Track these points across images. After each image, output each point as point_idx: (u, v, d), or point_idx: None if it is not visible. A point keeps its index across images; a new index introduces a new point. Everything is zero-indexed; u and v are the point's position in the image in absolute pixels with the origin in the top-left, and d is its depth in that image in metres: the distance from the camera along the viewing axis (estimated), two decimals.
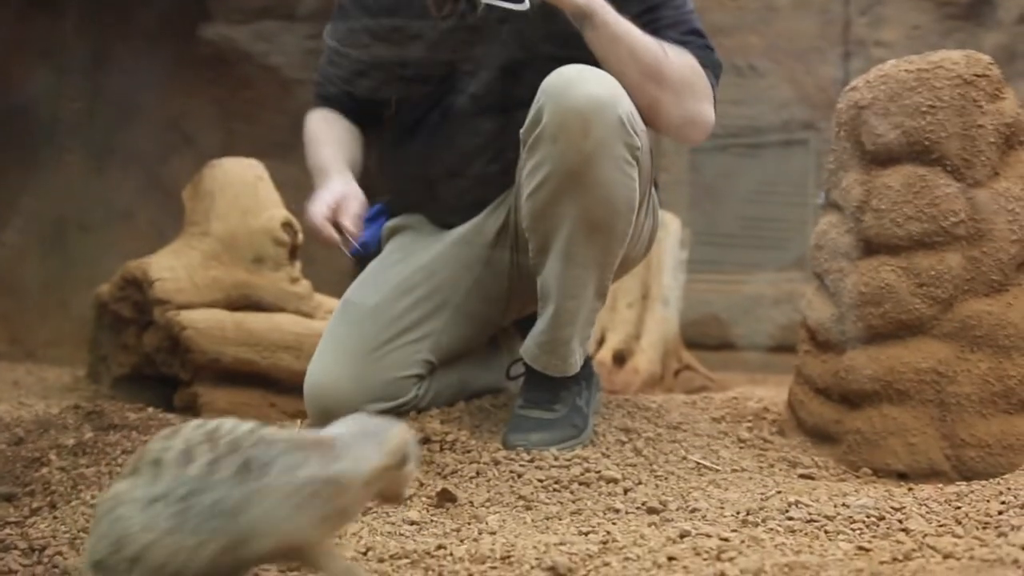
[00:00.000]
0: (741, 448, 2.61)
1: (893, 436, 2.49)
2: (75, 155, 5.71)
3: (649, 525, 1.90)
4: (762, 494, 2.08)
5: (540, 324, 2.49)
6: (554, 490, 2.18)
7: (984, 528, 1.73)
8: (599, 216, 2.35)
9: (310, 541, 1.41)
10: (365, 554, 1.71)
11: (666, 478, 2.32)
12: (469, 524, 1.94)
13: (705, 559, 1.62)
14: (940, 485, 2.16)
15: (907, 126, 2.53)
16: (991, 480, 2.03)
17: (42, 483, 2.18)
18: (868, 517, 1.79)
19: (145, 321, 3.10)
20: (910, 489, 2.10)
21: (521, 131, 2.38)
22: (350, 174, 2.55)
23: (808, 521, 1.80)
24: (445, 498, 2.07)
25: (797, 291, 5.68)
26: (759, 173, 7.04)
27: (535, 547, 1.68)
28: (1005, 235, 2.48)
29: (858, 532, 1.75)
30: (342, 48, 2.70)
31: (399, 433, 1.48)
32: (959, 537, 1.69)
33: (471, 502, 2.08)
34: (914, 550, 1.62)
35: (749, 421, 2.84)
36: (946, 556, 1.59)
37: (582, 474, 2.24)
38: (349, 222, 2.36)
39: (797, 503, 1.89)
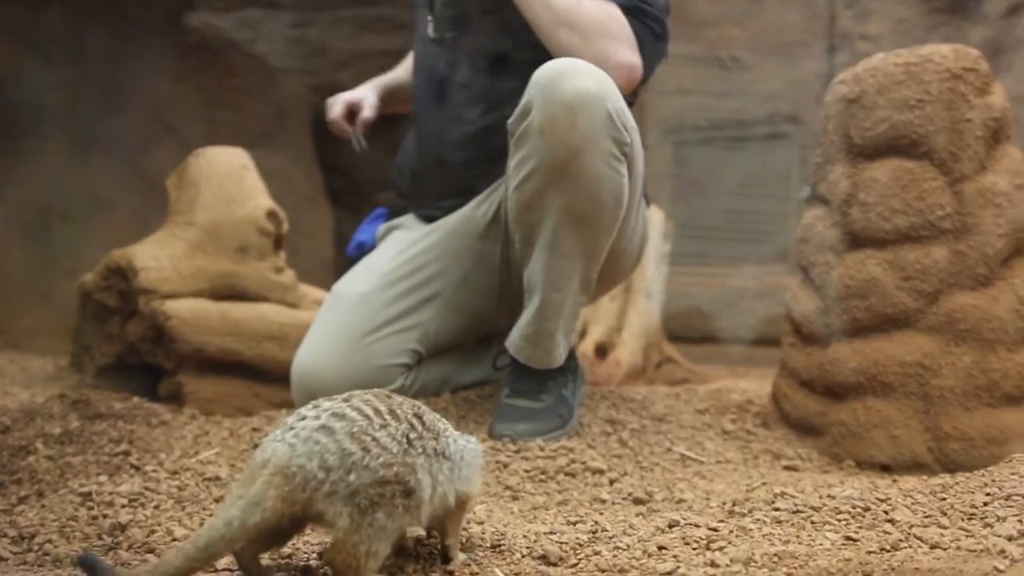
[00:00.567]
0: (725, 440, 2.63)
1: (877, 428, 2.51)
2: (58, 144, 5.66)
3: (636, 515, 1.90)
4: (747, 485, 2.10)
5: (525, 316, 2.50)
6: (540, 481, 2.19)
7: (970, 519, 1.74)
8: (584, 208, 2.35)
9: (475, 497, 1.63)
10: None
11: (651, 469, 2.34)
12: None
13: (695, 548, 1.63)
14: (924, 477, 2.17)
15: (895, 120, 2.54)
16: (975, 472, 2.04)
17: (29, 471, 2.17)
18: (854, 508, 1.80)
19: (129, 310, 3.08)
20: (895, 481, 2.11)
21: (509, 122, 2.38)
22: (380, 87, 3.10)
23: (795, 512, 1.80)
24: None
25: (780, 284, 5.69)
26: (743, 166, 7.03)
27: (525, 536, 1.69)
28: (991, 229, 2.49)
29: (844, 523, 1.75)
30: None
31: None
32: (945, 528, 1.70)
33: None
34: (901, 540, 1.63)
35: (733, 413, 2.85)
36: (933, 546, 1.60)
37: (568, 465, 2.25)
38: (359, 120, 2.97)
39: (783, 494, 1.89)
